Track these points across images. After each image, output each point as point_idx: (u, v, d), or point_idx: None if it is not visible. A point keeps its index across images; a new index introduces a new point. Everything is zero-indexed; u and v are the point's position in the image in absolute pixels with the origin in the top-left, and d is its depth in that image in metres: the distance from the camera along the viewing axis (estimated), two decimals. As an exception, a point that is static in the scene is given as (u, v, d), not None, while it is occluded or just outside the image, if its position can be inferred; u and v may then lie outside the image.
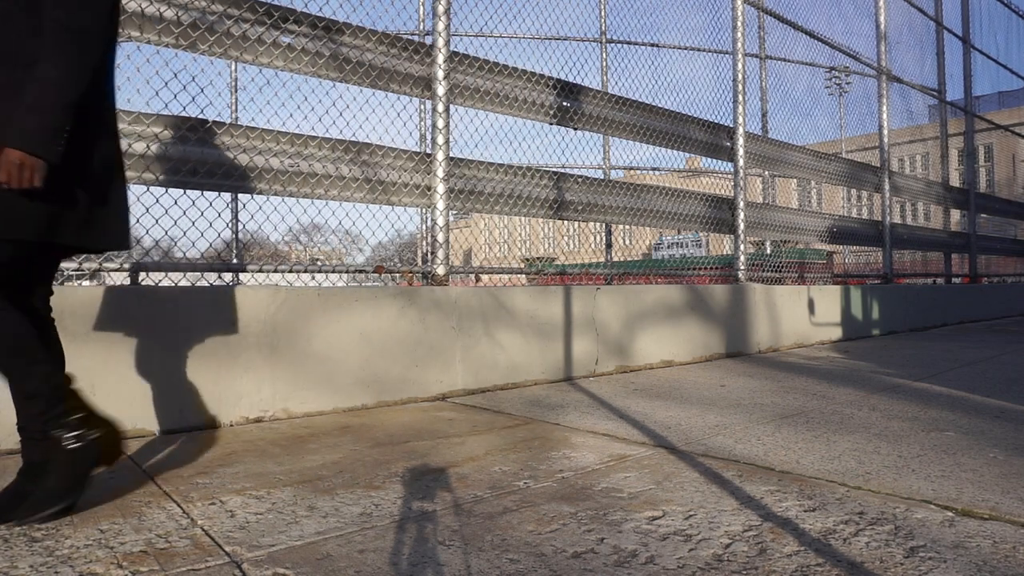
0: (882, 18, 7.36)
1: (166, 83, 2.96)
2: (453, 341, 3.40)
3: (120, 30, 2.77)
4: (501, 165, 4.05)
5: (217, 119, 3.02)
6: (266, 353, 2.81)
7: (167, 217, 2.97)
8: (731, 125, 5.53)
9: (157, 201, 2.91)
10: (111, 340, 2.47)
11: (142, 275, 2.99)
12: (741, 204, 5.46)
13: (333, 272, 3.41)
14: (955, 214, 9.84)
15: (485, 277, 4.85)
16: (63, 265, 2.71)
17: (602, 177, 7.62)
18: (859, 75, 8.41)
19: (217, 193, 3.19)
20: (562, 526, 1.56)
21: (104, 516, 1.64)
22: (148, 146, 2.81)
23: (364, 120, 3.62)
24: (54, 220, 1.49)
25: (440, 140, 3.59)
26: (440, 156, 3.59)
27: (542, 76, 4.30)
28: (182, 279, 3.07)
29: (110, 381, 2.45)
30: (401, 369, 3.20)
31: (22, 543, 1.47)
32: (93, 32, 1.48)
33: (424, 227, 7.84)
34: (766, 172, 8.30)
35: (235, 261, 6.71)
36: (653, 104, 5.11)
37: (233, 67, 7.76)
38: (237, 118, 7.79)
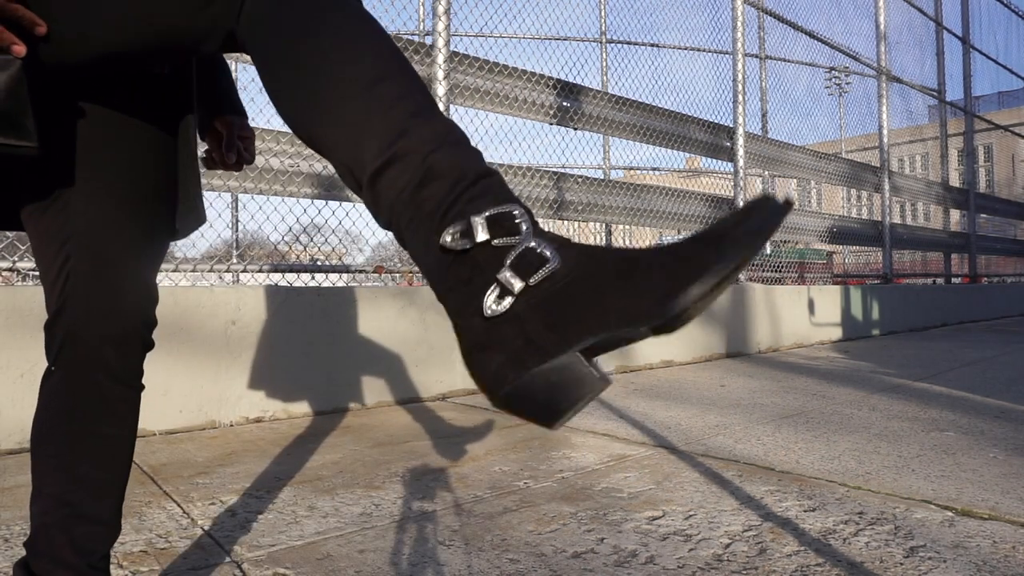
0: (882, 18, 7.36)
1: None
2: (454, 341, 3.39)
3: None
4: (501, 165, 4.05)
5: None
6: (266, 353, 2.81)
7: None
8: (731, 125, 5.54)
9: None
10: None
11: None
12: (741, 204, 5.45)
13: (333, 272, 3.41)
14: (955, 214, 9.84)
15: (485, 277, 4.84)
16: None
17: (602, 177, 7.63)
18: (859, 75, 8.42)
19: (217, 193, 3.19)
20: (562, 526, 1.56)
21: (104, 516, 1.64)
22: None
23: (364, 120, 3.61)
24: None
25: (440, 140, 3.58)
26: (440, 156, 3.58)
27: (542, 76, 4.30)
28: (182, 279, 3.07)
29: (110, 381, 2.45)
30: (401, 369, 3.20)
31: (22, 543, 1.47)
32: None
33: (424, 227, 7.84)
34: (766, 172, 8.30)
35: (235, 261, 6.70)
36: (653, 104, 5.12)
37: (234, 67, 7.76)
38: (237, 118, 7.79)
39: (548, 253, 0.53)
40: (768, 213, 0.51)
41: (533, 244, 0.54)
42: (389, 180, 0.58)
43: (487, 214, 0.55)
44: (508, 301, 0.53)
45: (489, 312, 0.54)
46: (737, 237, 0.50)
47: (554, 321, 0.52)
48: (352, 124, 0.60)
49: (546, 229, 0.57)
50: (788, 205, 0.51)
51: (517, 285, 0.53)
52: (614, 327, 0.51)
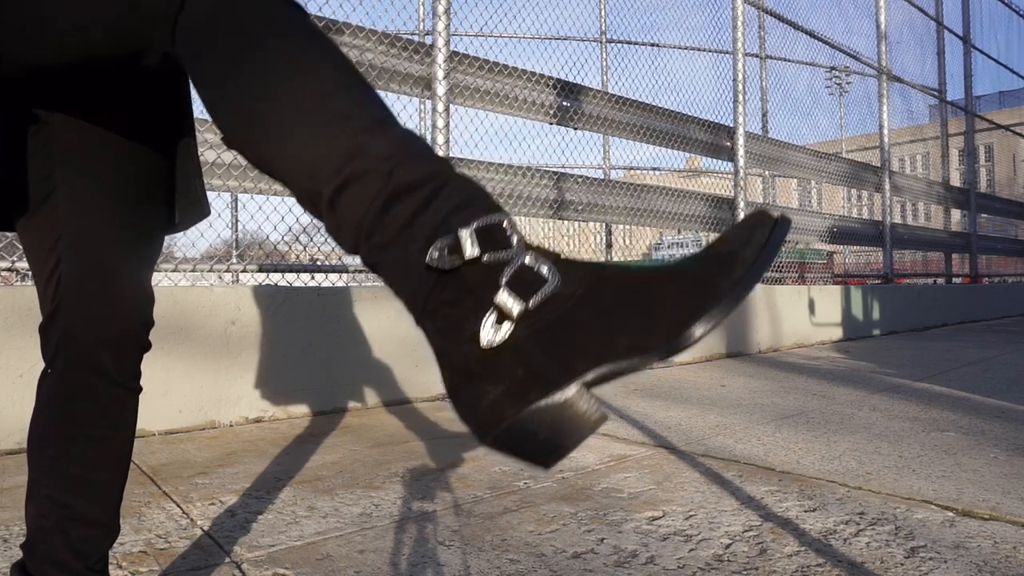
0: (882, 18, 7.36)
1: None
2: (453, 341, 3.39)
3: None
4: (501, 165, 4.05)
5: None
6: (266, 353, 2.81)
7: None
8: (731, 125, 5.53)
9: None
10: (111, 340, 2.46)
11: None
12: (741, 204, 5.46)
13: (333, 272, 3.40)
14: (955, 214, 9.83)
15: (485, 277, 4.83)
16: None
17: (602, 177, 7.62)
18: (859, 75, 8.42)
19: (217, 193, 3.18)
20: (562, 526, 1.56)
21: (104, 516, 1.63)
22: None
23: (364, 120, 3.60)
24: None
25: (440, 140, 3.59)
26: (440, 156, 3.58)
27: (542, 76, 4.30)
28: (182, 279, 3.07)
29: (110, 381, 2.44)
30: (401, 369, 3.20)
31: (19, 545, 1.47)
32: None
33: (424, 227, 7.82)
34: (766, 172, 8.29)
35: (235, 261, 6.70)
36: (653, 104, 5.11)
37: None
38: (237, 118, 7.78)
39: (545, 271, 0.48)
40: (773, 230, 0.47)
41: (528, 261, 0.49)
42: (349, 201, 0.52)
43: (476, 225, 0.49)
44: (507, 327, 0.48)
45: (486, 342, 0.48)
46: (747, 259, 0.46)
47: (559, 350, 0.47)
48: (301, 144, 0.54)
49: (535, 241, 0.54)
50: (786, 221, 0.48)
51: (516, 309, 0.47)
52: (623, 357, 0.47)
